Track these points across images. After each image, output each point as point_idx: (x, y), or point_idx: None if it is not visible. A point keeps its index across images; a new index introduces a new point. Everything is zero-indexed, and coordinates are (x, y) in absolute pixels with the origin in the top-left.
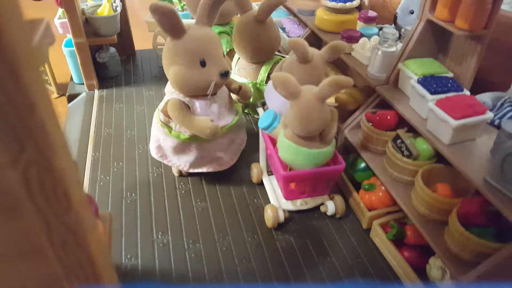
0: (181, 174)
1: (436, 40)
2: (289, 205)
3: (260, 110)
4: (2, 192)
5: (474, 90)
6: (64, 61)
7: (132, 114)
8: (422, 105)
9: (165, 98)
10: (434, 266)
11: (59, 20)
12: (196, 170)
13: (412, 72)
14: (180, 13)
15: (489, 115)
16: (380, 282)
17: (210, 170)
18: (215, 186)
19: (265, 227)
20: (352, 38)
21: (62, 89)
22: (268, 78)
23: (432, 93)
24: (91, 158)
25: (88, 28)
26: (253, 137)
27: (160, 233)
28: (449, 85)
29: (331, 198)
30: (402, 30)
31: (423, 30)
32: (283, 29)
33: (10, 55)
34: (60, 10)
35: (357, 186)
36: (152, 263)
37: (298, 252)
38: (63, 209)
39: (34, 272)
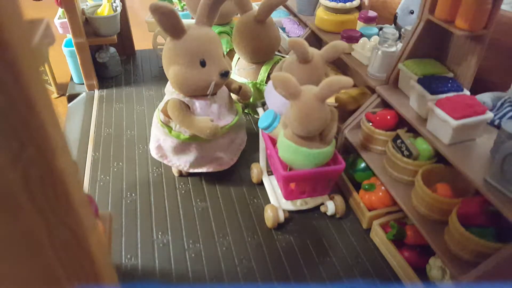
0: (181, 174)
1: (436, 40)
2: (289, 205)
3: (260, 110)
4: (2, 192)
5: (474, 90)
6: (64, 61)
7: (132, 114)
8: (422, 105)
9: (165, 98)
10: (434, 266)
11: (59, 20)
12: (196, 170)
13: (412, 72)
14: (180, 13)
15: (489, 115)
16: (380, 282)
17: (210, 170)
18: (215, 186)
19: (265, 227)
20: (352, 38)
21: (62, 89)
22: (268, 78)
23: (432, 93)
24: (91, 158)
25: (88, 28)
26: (253, 137)
27: (160, 233)
28: (449, 85)
29: (331, 198)
30: (402, 30)
31: (423, 30)
32: (283, 29)
33: (10, 55)
34: (60, 10)
35: (357, 186)
36: (152, 263)
37: (298, 252)
38: (63, 209)
39: (34, 272)
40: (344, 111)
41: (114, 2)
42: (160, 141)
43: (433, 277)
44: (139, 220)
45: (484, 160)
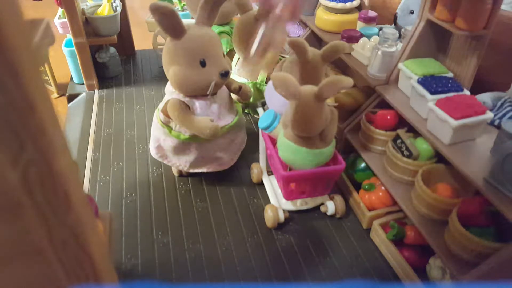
0: (181, 174)
1: (436, 40)
2: (289, 205)
3: (260, 110)
4: (2, 192)
5: (474, 90)
6: (64, 61)
7: (132, 114)
8: (422, 105)
9: (165, 98)
10: (434, 266)
11: (59, 20)
12: (196, 170)
13: (412, 72)
14: (180, 13)
15: (489, 115)
16: (380, 282)
17: (210, 170)
18: (215, 186)
19: (265, 227)
20: (352, 38)
21: (62, 89)
22: (268, 78)
23: (432, 93)
24: (91, 158)
25: (88, 28)
26: (253, 137)
27: (160, 233)
28: (449, 85)
29: (331, 198)
30: (402, 30)
31: (423, 30)
32: None
33: (10, 55)
34: (60, 10)
35: (357, 186)
36: (152, 263)
37: (298, 252)
38: (63, 209)
39: (34, 272)
40: (344, 111)
41: (114, 2)
42: (160, 141)
43: (433, 277)
44: (139, 220)
45: (484, 160)
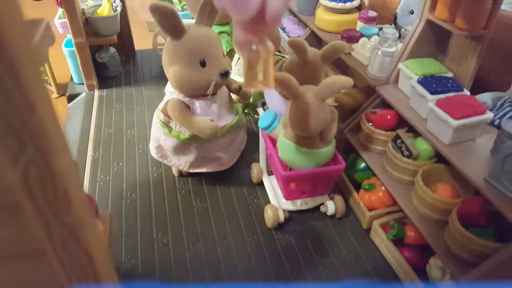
0: (181, 174)
1: (436, 40)
2: (289, 205)
3: (260, 110)
4: (2, 192)
5: (474, 90)
6: (64, 61)
7: (132, 114)
8: (422, 105)
9: (165, 98)
10: (434, 266)
11: (59, 20)
12: (196, 170)
13: (412, 72)
14: (180, 13)
15: (489, 115)
16: (380, 282)
17: (210, 170)
18: (215, 186)
19: (265, 227)
20: (352, 38)
21: (62, 89)
22: None
23: (432, 93)
24: (91, 158)
25: (88, 28)
26: (253, 137)
27: (160, 233)
28: (449, 85)
29: (331, 198)
30: (402, 30)
31: (423, 30)
32: (283, 29)
33: (10, 55)
34: (60, 10)
35: (357, 186)
36: (152, 263)
37: (298, 252)
38: (63, 209)
39: (34, 272)
40: (344, 111)
41: (114, 2)
42: (160, 141)
43: (433, 277)
44: (139, 220)
45: (484, 160)
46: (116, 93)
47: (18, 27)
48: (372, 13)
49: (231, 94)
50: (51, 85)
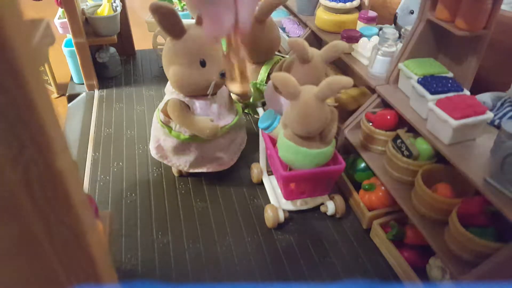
0: (181, 174)
1: (436, 40)
2: (289, 205)
3: (260, 110)
4: (2, 192)
5: (474, 90)
6: (64, 61)
7: (132, 114)
8: (422, 105)
9: (165, 98)
10: (434, 266)
11: (59, 20)
12: (196, 170)
13: (412, 72)
14: (180, 13)
15: (489, 115)
16: (380, 282)
17: (210, 170)
18: (215, 186)
19: (265, 227)
20: (352, 38)
21: (62, 89)
22: (268, 78)
23: (432, 93)
24: (91, 158)
25: (88, 28)
26: (253, 137)
27: (160, 233)
28: (449, 85)
29: (331, 198)
30: (402, 30)
31: (423, 30)
32: (283, 29)
33: (10, 55)
34: (60, 10)
35: (357, 186)
36: (152, 263)
37: (298, 252)
38: (63, 209)
39: (34, 272)
40: (344, 111)
41: (114, 2)
42: (160, 141)
43: (433, 277)
44: (139, 220)
45: (484, 160)
46: (116, 93)
47: (18, 27)
48: (372, 13)
49: (231, 94)
50: (51, 85)
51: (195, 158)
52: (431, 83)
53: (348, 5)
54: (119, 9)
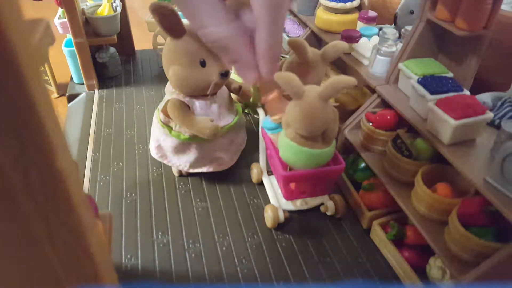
0: (181, 174)
1: (436, 40)
2: (289, 205)
3: (260, 110)
4: (2, 192)
5: (474, 90)
6: (64, 61)
7: (132, 114)
8: (422, 105)
9: (165, 98)
10: (434, 266)
11: (59, 20)
12: (196, 170)
13: (412, 72)
14: (180, 13)
15: (489, 115)
16: (380, 282)
17: (210, 170)
18: (215, 186)
19: (265, 227)
20: (352, 38)
21: (62, 89)
22: None
23: (432, 93)
24: (91, 158)
25: (88, 28)
26: (253, 137)
27: (160, 233)
28: (449, 85)
29: (331, 198)
30: (402, 30)
31: (423, 30)
32: (283, 29)
33: (10, 55)
34: (60, 10)
35: (357, 186)
36: (152, 263)
37: (298, 252)
38: (63, 209)
39: (34, 272)
40: (344, 111)
41: (114, 2)
42: (160, 141)
43: (433, 277)
44: (139, 220)
45: (484, 160)
46: (116, 93)
47: (18, 27)
48: (372, 13)
49: (231, 94)
50: (51, 85)
51: (195, 158)
52: (431, 83)
53: (348, 5)
54: (119, 9)
